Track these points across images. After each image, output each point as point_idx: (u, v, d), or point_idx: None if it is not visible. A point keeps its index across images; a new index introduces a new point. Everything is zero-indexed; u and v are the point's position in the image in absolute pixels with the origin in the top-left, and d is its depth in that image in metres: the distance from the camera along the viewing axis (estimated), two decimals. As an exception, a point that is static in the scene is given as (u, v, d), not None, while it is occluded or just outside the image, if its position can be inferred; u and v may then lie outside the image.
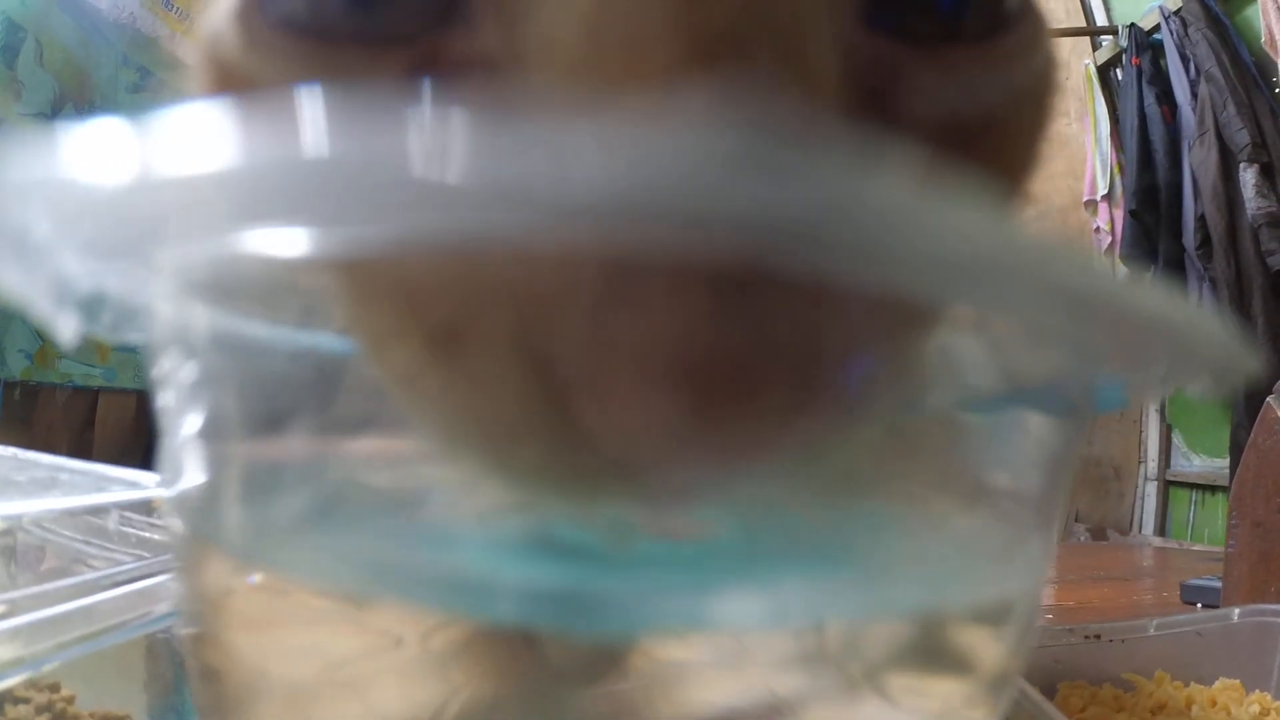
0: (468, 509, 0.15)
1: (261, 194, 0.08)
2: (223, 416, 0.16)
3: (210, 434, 0.16)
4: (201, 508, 0.16)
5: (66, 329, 0.14)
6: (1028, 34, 0.15)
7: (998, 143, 0.15)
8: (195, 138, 0.08)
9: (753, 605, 0.13)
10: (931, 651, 0.16)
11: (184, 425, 0.16)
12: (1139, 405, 1.92)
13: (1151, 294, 0.11)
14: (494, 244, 0.08)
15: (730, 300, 0.10)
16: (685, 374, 0.10)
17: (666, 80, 0.11)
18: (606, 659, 0.16)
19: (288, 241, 0.08)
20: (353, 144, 0.08)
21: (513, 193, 0.07)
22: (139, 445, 1.83)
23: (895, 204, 0.08)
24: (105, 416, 1.93)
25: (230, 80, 0.15)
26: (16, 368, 1.80)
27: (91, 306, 0.14)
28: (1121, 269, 2.14)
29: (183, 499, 0.16)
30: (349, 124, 0.08)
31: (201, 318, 0.15)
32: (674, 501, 0.12)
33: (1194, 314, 0.11)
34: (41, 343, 1.84)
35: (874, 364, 0.12)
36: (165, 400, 0.16)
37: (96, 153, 0.09)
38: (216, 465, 0.16)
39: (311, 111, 0.08)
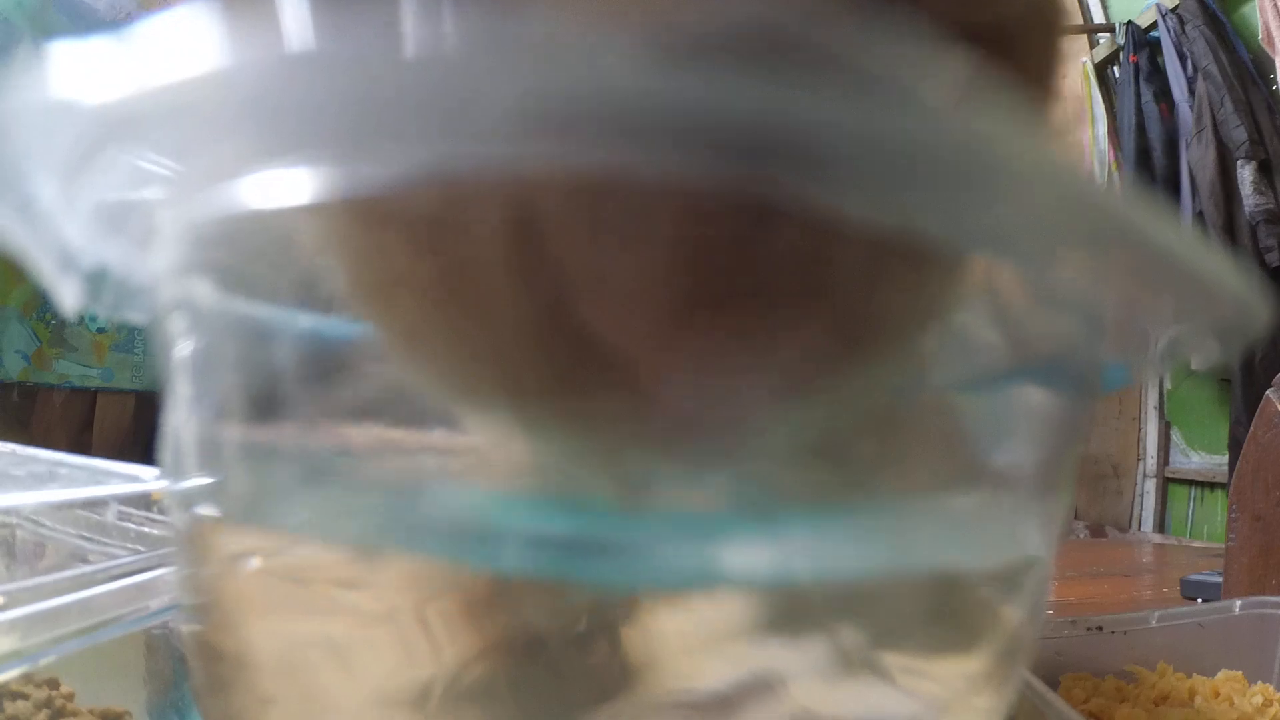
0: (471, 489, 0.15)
1: (244, 98, 0.08)
2: (223, 394, 0.15)
3: (209, 410, 0.16)
4: (201, 475, 0.16)
5: (69, 296, 0.13)
6: None
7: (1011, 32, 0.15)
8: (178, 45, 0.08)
9: (759, 557, 0.13)
10: (940, 614, 0.16)
11: (185, 401, 0.16)
12: (1140, 384, 1.90)
13: (1173, 228, 0.11)
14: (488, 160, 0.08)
15: (735, 199, 0.10)
16: (685, 264, 0.10)
17: None
18: (599, 630, 0.15)
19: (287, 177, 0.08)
20: (341, 47, 0.08)
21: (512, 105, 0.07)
22: (137, 445, 1.83)
23: (920, 116, 0.08)
24: (103, 417, 1.93)
25: None
26: (14, 369, 1.80)
27: (93, 284, 0.14)
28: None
29: (185, 467, 0.16)
30: (335, 28, 0.08)
31: (202, 290, 0.15)
32: (680, 434, 0.12)
33: (1212, 253, 0.11)
34: (39, 344, 1.83)
35: (881, 293, 0.12)
36: (168, 373, 0.16)
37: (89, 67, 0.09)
38: (213, 439, 0.16)
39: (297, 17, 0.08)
